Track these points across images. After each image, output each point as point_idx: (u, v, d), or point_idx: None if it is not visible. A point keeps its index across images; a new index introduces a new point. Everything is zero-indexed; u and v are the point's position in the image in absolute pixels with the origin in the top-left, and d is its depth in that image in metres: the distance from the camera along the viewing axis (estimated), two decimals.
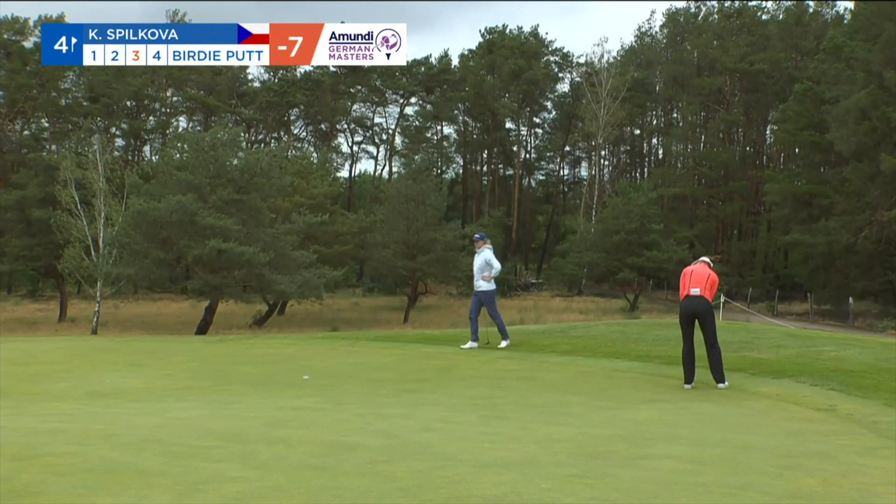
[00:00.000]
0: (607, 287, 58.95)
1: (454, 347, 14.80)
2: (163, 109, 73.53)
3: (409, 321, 44.18)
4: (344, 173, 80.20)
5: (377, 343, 16.16)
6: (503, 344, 14.41)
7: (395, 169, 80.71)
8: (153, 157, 67.12)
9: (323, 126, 78.94)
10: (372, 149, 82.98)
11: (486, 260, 14.38)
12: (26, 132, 64.78)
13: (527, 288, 65.90)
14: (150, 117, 73.37)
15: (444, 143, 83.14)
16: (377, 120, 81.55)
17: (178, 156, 37.95)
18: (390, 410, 8.55)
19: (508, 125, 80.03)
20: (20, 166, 54.50)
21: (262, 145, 66.70)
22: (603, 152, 77.92)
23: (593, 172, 75.25)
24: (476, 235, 14.99)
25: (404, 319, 44.75)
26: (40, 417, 7.94)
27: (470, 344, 14.49)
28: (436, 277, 51.32)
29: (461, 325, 34.82)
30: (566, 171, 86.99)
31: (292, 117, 78.41)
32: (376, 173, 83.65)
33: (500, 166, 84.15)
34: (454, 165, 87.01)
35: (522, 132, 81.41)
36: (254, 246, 33.20)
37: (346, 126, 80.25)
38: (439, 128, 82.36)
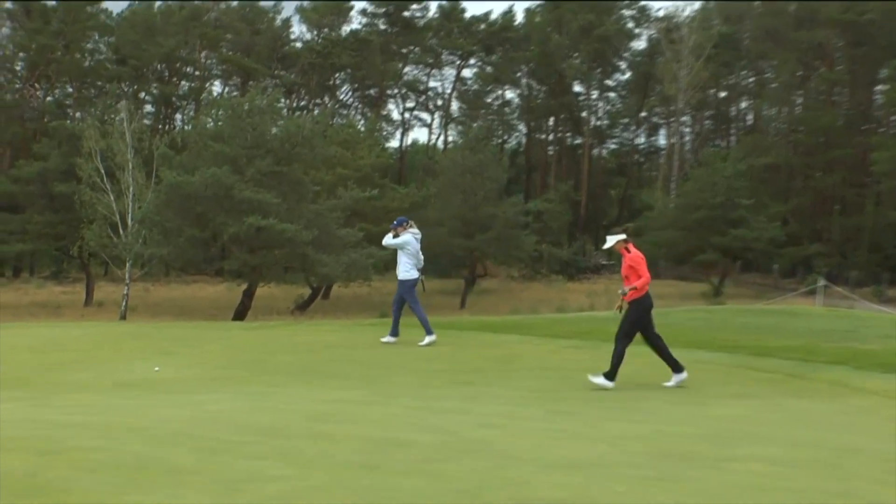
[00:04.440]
0: (688, 269, 58.32)
1: (516, 336, 14.80)
2: (196, 73, 74.33)
3: (466, 306, 44.30)
4: (394, 143, 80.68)
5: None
6: (426, 341, 14.38)
7: (450, 138, 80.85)
8: (185, 126, 68.07)
9: (371, 91, 79.21)
10: (425, 116, 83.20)
11: (404, 246, 14.71)
12: (49, 98, 66.01)
13: (597, 270, 65.54)
14: (183, 81, 74.27)
15: (506, 109, 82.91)
16: (431, 84, 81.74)
17: (212, 124, 38.30)
18: (445, 404, 8.59)
19: (577, 88, 79.43)
20: (42, 135, 55.48)
21: (305, 112, 67.13)
22: (684, 118, 76.72)
23: (673, 141, 74.27)
24: (399, 218, 15.49)
25: (461, 305, 44.87)
26: (65, 409, 8.13)
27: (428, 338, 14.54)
28: (495, 258, 51.32)
29: (523, 311, 34.80)
30: (642, 140, 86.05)
31: (337, 81, 78.76)
32: (430, 143, 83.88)
33: (568, 134, 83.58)
34: (516, 134, 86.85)
35: (593, 96, 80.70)
36: (296, 223, 33.43)
37: (396, 91, 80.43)
38: (500, 92, 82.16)
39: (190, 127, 53.90)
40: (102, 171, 37.48)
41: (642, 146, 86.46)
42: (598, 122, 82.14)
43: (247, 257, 34.52)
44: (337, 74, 77.27)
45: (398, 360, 12.51)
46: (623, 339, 10.12)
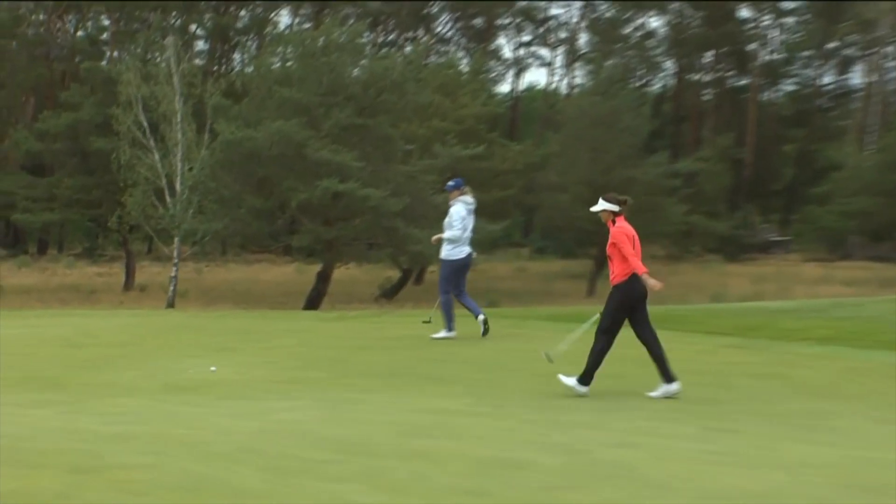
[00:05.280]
0: (889, 248, 56.85)
1: (661, 331, 14.61)
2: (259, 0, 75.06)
3: (595, 293, 44.00)
4: (505, 88, 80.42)
5: (551, 324, 16.19)
6: (440, 334, 14.81)
7: (576, 80, 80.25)
8: (246, 68, 68.90)
9: (477, 22, 79.08)
10: (545, 52, 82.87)
11: (448, 217, 14.90)
12: (80, 33, 67.41)
13: (766, 248, 64.35)
14: (243, 12, 74.98)
15: (649, 43, 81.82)
16: (553, 11, 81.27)
17: (279, 65, 38.73)
18: (572, 416, 8.59)
19: (744, 13, 77.87)
20: (72, 79, 56.39)
21: (394, 50, 67.35)
22: (888, 48, 74.37)
23: (872, 80, 72.19)
24: (448, 184, 15.44)
25: (588, 291, 44.60)
26: (104, 417, 8.39)
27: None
28: None
29: (670, 300, 34.37)
30: (829, 80, 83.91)
31: (434, 10, 78.84)
32: (551, 87, 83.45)
33: (730, 74, 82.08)
34: (662, 74, 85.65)
35: (764, 22, 79.00)
36: (382, 189, 33.55)
37: (508, 21, 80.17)
38: (642, 20, 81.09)
39: (251, 69, 54.46)
40: (145, 124, 37.90)
41: (829, 87, 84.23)
42: (771, 57, 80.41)
43: (321, 231, 34.82)
44: (434, 1, 77.36)
45: (513, 360, 12.53)
46: (601, 336, 10.26)
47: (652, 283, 10.15)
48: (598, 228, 46.61)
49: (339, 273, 38.76)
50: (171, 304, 35.86)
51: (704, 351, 13.11)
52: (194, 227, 35.56)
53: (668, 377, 10.17)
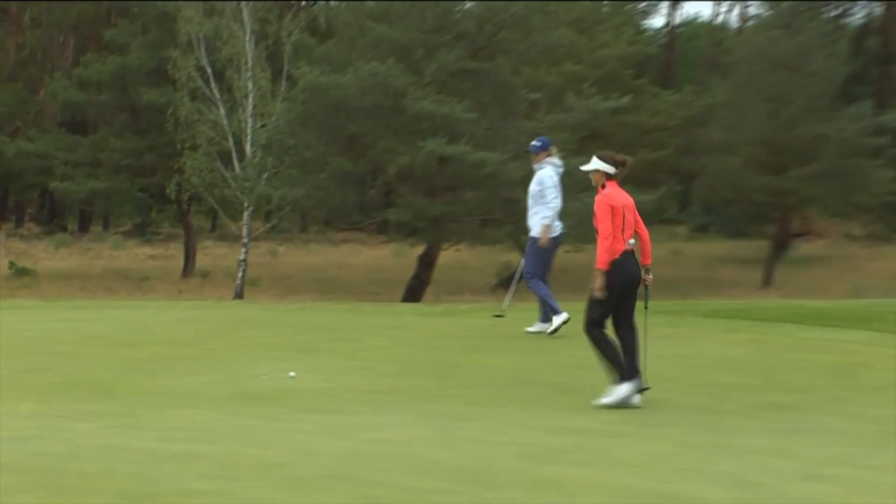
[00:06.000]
0: None
1: (861, 333, 14.53)
2: None
3: (773, 283, 43.52)
4: (657, 21, 79.62)
5: (717, 321, 16.10)
6: (535, 328, 15.12)
7: (751, 10, 79.19)
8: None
9: None
10: None
11: (540, 185, 14.85)
12: None
13: None
14: None
15: None
16: None
17: None
18: (744, 440, 8.53)
19: None
20: (119, 16, 56.81)
21: None
22: None
23: None
24: (533, 143, 15.40)
25: (765, 280, 44.13)
26: (161, 433, 8.52)
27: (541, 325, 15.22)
28: (824, 206, 50.01)
29: (872, 293, 33.83)
30: None
31: None
32: (717, 20, 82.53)
33: None
34: (863, 2, 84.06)
35: None
36: (500, 151, 33.48)
37: None
38: None
39: (339, 1, 54.74)
40: (209, 70, 38.18)
41: None
42: None
43: (424, 204, 34.83)
44: None
45: (667, 367, 12.43)
46: (592, 330, 10.46)
47: (596, 286, 10.31)
48: (778, 200, 45.59)
49: (446, 256, 38.76)
50: (239, 295, 36.12)
51: None
52: (268, 195, 35.71)
53: (631, 375, 10.29)
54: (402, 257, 46.22)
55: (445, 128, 32.95)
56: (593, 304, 10.44)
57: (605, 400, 10.18)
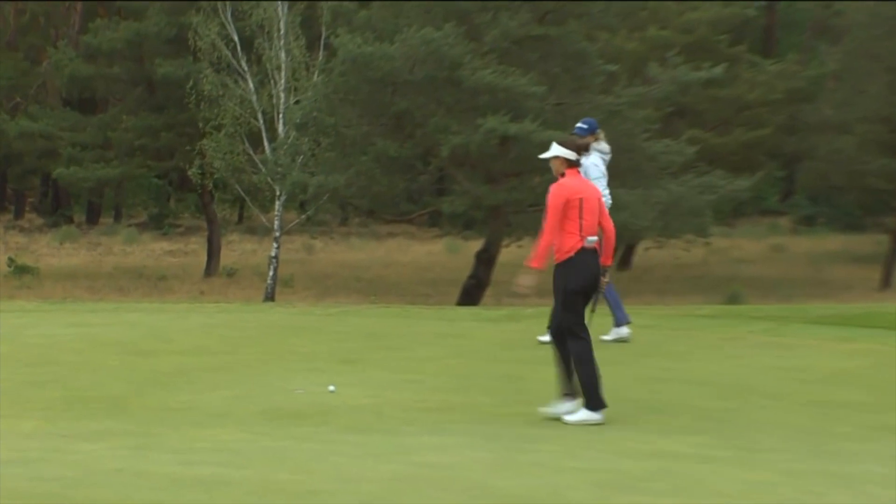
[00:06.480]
0: None
1: None
2: None
3: (892, 285, 43.25)
4: None
5: (827, 329, 16.03)
6: (610, 336, 15.28)
7: None
8: None
9: None
10: None
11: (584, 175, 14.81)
12: None
13: None
14: None
15: None
16: None
17: None
18: (859, 467, 8.52)
19: None
20: None
21: None
22: None
23: None
24: (579, 125, 15.94)
25: (883, 281, 43.87)
26: (182, 455, 8.58)
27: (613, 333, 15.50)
28: None
29: None
30: None
31: None
32: None
33: None
34: None
35: None
36: (571, 130, 33.42)
37: None
38: None
39: None
40: (236, 39, 38.31)
41: None
42: None
43: (483, 192, 34.79)
44: None
45: (768, 381, 12.44)
46: (566, 340, 10.68)
47: (519, 281, 10.65)
48: None
49: (508, 253, 38.66)
50: (270, 297, 36.17)
51: None
52: (304, 179, 35.67)
53: (569, 392, 10.58)
54: (456, 254, 46.25)
55: (508, 103, 32.85)
56: (559, 309, 10.69)
57: (569, 418, 10.45)
